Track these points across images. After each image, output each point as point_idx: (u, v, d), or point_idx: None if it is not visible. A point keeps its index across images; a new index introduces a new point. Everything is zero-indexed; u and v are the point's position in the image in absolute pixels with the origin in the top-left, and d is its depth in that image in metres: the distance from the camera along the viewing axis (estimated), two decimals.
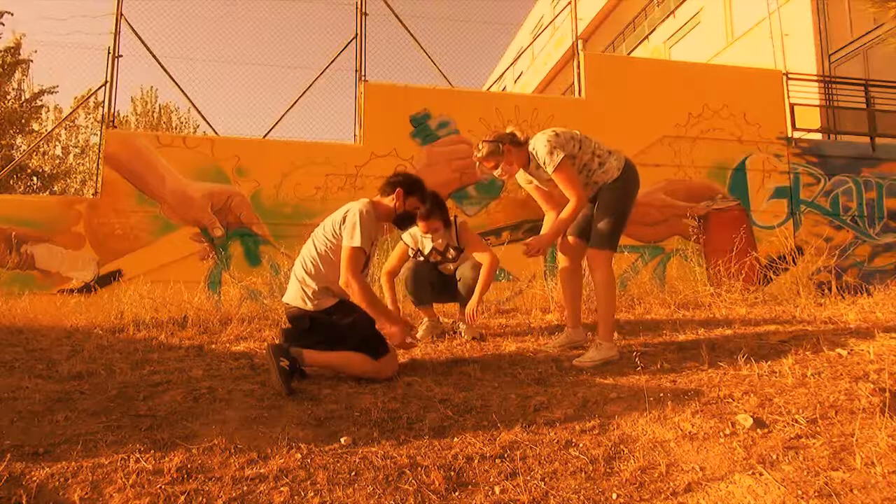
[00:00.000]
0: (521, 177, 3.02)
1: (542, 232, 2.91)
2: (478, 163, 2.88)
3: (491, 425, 1.89)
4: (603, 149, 2.86)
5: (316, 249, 2.61)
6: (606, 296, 2.78)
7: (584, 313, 4.14)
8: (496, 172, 2.86)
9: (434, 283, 3.52)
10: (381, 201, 2.76)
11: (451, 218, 3.47)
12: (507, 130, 2.89)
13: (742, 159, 7.07)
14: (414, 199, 2.78)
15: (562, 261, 3.06)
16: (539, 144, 2.77)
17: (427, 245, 3.52)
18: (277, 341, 2.78)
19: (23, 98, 13.51)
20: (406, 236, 3.54)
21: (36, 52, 13.68)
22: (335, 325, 2.53)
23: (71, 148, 15.14)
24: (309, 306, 2.54)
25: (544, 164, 2.76)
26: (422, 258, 3.53)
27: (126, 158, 5.78)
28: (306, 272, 2.59)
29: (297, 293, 2.59)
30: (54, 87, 13.67)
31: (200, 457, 1.64)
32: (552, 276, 5.38)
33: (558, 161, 2.70)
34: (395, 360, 2.60)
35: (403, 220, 2.83)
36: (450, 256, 3.52)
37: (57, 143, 14.89)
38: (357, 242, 2.52)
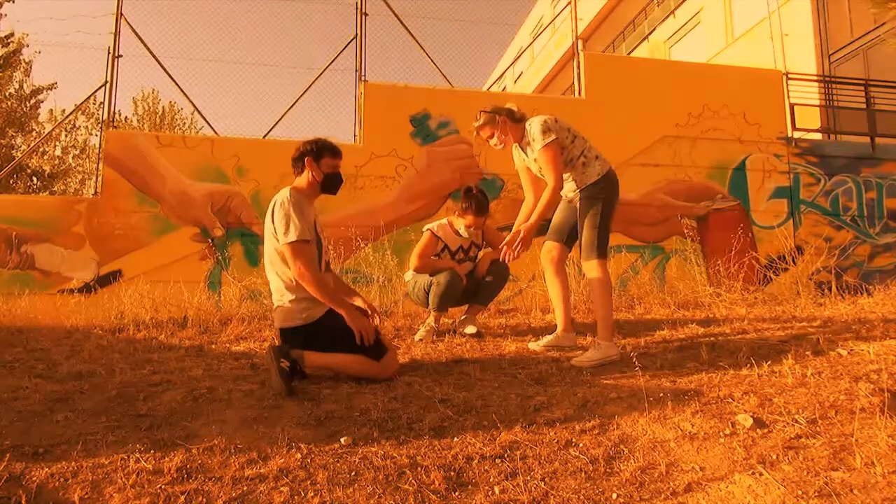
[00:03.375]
0: (516, 154, 3.09)
1: (518, 221, 3.00)
2: (475, 132, 3.03)
3: (491, 425, 1.89)
4: (592, 152, 2.92)
5: (275, 258, 2.53)
6: (603, 297, 2.80)
7: (584, 313, 4.14)
8: (492, 142, 2.99)
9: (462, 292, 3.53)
10: (300, 184, 2.66)
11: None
12: (507, 106, 3.00)
13: (742, 159, 7.06)
14: (326, 158, 2.65)
15: (546, 266, 3.08)
16: (535, 122, 2.87)
17: (456, 243, 3.54)
18: (277, 342, 2.77)
19: (22, 97, 13.52)
20: (434, 227, 3.54)
21: (39, 52, 13.73)
22: (331, 331, 2.49)
23: (71, 149, 15.14)
24: (298, 321, 2.49)
25: (534, 140, 2.85)
26: (449, 256, 3.55)
27: (126, 158, 5.78)
28: (281, 285, 2.52)
29: (281, 309, 2.52)
30: (53, 85, 13.71)
31: (200, 457, 1.64)
32: None
33: (549, 140, 2.80)
34: (396, 360, 2.60)
35: (331, 184, 2.69)
36: (472, 255, 3.59)
37: (57, 143, 14.90)
38: (293, 237, 2.42)
